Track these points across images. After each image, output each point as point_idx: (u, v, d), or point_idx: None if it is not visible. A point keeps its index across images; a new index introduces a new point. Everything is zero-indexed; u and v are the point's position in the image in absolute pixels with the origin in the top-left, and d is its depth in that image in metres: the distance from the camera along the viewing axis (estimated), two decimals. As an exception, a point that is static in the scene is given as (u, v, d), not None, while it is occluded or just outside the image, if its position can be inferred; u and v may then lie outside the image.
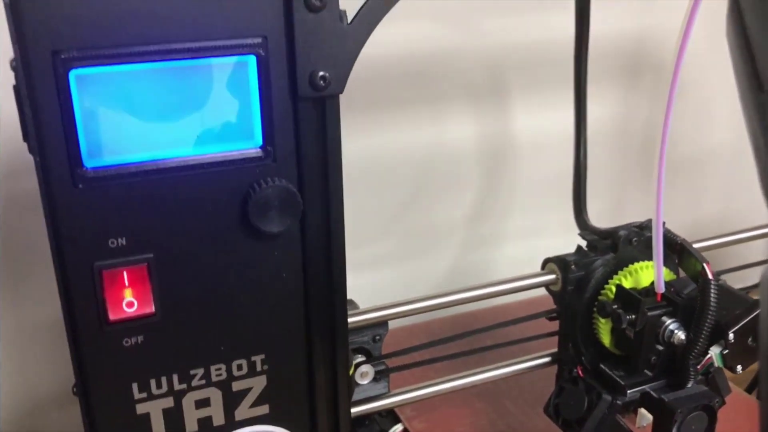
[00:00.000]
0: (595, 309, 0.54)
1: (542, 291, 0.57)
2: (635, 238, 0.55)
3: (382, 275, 0.78)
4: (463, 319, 0.71)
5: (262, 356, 0.40)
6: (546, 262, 0.56)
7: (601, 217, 0.60)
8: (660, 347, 0.52)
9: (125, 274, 0.35)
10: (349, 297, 0.44)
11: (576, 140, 0.60)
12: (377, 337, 0.53)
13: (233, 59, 0.35)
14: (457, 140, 0.76)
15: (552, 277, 0.55)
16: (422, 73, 0.72)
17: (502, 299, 0.58)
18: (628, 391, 0.53)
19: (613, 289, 0.53)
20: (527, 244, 0.82)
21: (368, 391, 0.53)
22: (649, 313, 0.51)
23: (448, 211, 0.79)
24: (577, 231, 0.59)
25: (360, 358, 0.52)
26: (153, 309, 0.36)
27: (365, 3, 0.35)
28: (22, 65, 0.32)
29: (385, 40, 0.51)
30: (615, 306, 0.52)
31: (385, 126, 0.72)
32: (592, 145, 0.60)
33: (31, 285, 0.63)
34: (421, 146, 0.75)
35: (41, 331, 0.65)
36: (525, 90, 0.77)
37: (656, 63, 0.80)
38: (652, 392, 0.52)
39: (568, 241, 0.69)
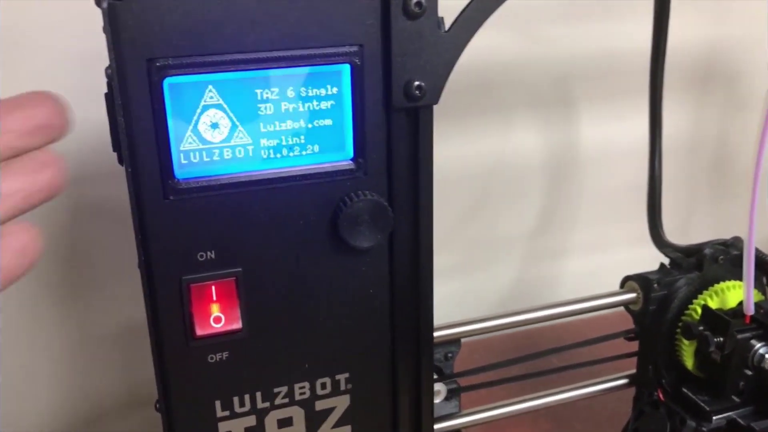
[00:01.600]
0: (678, 330, 0.52)
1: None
2: (721, 257, 0.52)
3: (443, 288, 0.76)
4: (524, 337, 0.69)
5: (347, 375, 0.38)
6: (625, 280, 0.54)
7: (668, 232, 0.58)
8: (749, 372, 0.50)
9: (213, 288, 0.34)
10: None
11: (651, 152, 0.58)
12: (449, 355, 0.51)
13: (328, 68, 0.34)
14: (521, 151, 0.74)
15: (632, 296, 0.53)
16: (487, 83, 0.70)
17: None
18: (714, 418, 0.50)
19: (698, 309, 0.51)
20: (592, 258, 0.80)
21: (440, 409, 0.52)
22: (739, 336, 0.49)
23: (511, 224, 0.77)
24: (644, 245, 0.57)
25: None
26: (240, 325, 0.35)
27: (464, 9, 0.34)
28: (117, 72, 0.31)
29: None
30: (701, 328, 0.50)
31: (448, 137, 0.71)
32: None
33: (95, 293, 0.63)
34: (485, 157, 0.73)
35: (104, 340, 0.64)
36: (591, 100, 0.75)
37: (729, 74, 0.77)
38: (739, 419, 0.50)
39: (634, 255, 0.67)
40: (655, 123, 0.57)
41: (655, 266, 0.54)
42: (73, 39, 0.54)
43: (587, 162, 0.77)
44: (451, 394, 0.52)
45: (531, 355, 0.54)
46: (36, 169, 0.30)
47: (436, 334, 0.49)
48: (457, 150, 0.72)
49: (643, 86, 0.58)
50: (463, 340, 0.55)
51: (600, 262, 0.79)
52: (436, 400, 0.51)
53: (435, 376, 0.51)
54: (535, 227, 0.77)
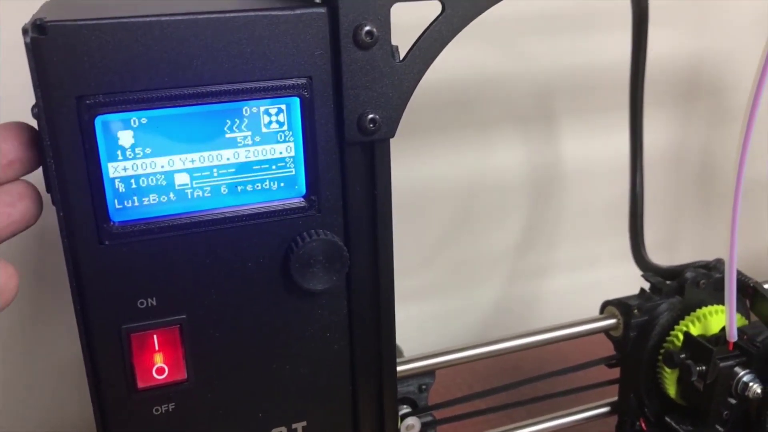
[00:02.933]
0: (660, 357, 0.50)
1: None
2: (703, 280, 0.51)
3: (422, 308, 0.74)
4: (509, 359, 0.67)
5: (304, 423, 0.36)
6: (605, 305, 0.52)
7: (653, 248, 0.56)
8: (733, 401, 0.48)
9: (155, 337, 0.32)
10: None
11: (632, 170, 0.56)
12: (423, 387, 0.49)
13: (275, 102, 0.31)
14: (502, 168, 0.72)
15: (612, 321, 0.51)
16: (466, 98, 0.68)
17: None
18: (698, 448, 0.48)
19: (680, 336, 0.49)
20: (576, 276, 0.78)
21: (414, 444, 0.50)
22: (722, 364, 0.47)
23: (493, 242, 0.75)
24: (629, 263, 0.55)
25: (405, 410, 0.49)
26: (185, 375, 0.33)
27: (420, 38, 0.32)
28: (44, 111, 0.29)
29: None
30: (683, 356, 0.48)
31: (427, 153, 0.69)
32: (644, 174, 0.56)
33: (62, 318, 0.61)
34: (465, 174, 0.71)
35: (73, 367, 0.62)
36: (573, 115, 0.73)
37: (714, 88, 0.76)
38: (724, 450, 0.48)
39: (619, 273, 0.65)
40: (636, 142, 0.55)
41: (641, 284, 0.52)
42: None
43: (569, 178, 0.75)
44: (426, 428, 0.50)
45: (510, 385, 0.52)
46: (11, 202, 0.31)
47: (409, 366, 0.47)
48: (436, 167, 0.70)
49: (625, 101, 0.56)
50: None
51: (584, 281, 0.77)
52: (410, 434, 0.49)
53: (409, 410, 0.49)
54: (517, 245, 0.75)
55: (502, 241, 0.75)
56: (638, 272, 0.55)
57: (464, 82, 0.68)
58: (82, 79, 0.29)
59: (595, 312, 0.53)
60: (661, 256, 0.56)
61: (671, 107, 0.75)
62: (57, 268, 0.58)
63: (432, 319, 0.74)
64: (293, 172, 0.33)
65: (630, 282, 0.54)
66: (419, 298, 0.74)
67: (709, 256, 0.53)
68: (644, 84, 0.54)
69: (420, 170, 0.70)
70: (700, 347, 0.48)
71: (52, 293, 0.60)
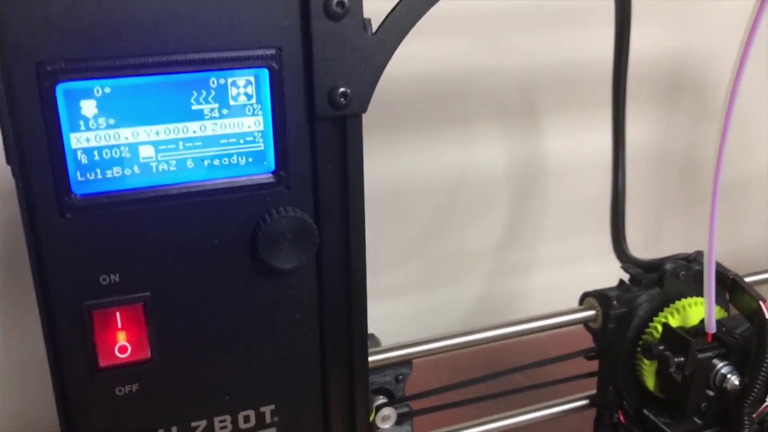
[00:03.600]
0: (639, 349, 0.49)
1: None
2: (683, 272, 0.50)
3: (404, 305, 0.73)
4: (491, 351, 0.67)
5: (272, 407, 0.35)
6: (584, 296, 0.52)
7: (636, 245, 0.55)
8: (711, 393, 0.47)
9: (118, 314, 0.31)
10: (369, 330, 0.39)
11: (614, 165, 0.56)
12: (400, 377, 0.49)
13: (243, 73, 0.31)
14: (485, 163, 0.72)
15: (591, 313, 0.51)
16: (448, 92, 0.68)
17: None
18: (676, 441, 0.48)
19: (659, 327, 0.49)
20: (559, 272, 0.78)
21: (390, 435, 0.49)
22: (700, 356, 0.46)
23: (475, 238, 0.74)
24: (612, 259, 0.55)
25: (381, 400, 0.48)
26: (149, 354, 0.32)
27: (392, 10, 0.31)
28: (2, 78, 0.28)
29: (408, 57, 0.47)
30: (662, 347, 0.47)
31: (408, 147, 0.68)
32: (627, 169, 0.56)
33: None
34: (447, 169, 0.71)
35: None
36: (557, 111, 0.73)
37: (695, 84, 0.76)
38: (702, 443, 0.47)
39: (602, 269, 0.65)
40: (618, 137, 0.55)
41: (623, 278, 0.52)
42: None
43: (553, 174, 0.75)
44: (402, 419, 0.49)
45: (488, 376, 0.51)
46: None
47: (385, 355, 0.46)
48: (419, 162, 0.70)
49: (608, 97, 0.55)
50: (423, 358, 0.52)
51: (567, 276, 0.77)
52: (385, 426, 0.48)
53: (384, 400, 0.48)
54: (499, 241, 0.75)
55: (484, 237, 0.74)
56: (618, 268, 0.55)
57: (447, 76, 0.67)
58: (43, 44, 0.28)
59: (578, 308, 0.52)
60: (644, 252, 0.55)
61: (654, 104, 0.75)
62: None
63: (413, 314, 0.73)
64: (262, 147, 0.32)
65: (613, 277, 0.54)
66: (401, 294, 0.73)
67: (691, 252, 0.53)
68: (626, 80, 0.54)
69: (403, 165, 0.69)
70: (679, 338, 0.47)
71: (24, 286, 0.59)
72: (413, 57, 0.61)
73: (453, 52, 0.66)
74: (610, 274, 0.56)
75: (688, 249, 0.54)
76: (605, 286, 0.52)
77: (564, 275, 0.78)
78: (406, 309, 0.74)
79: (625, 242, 0.56)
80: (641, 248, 0.56)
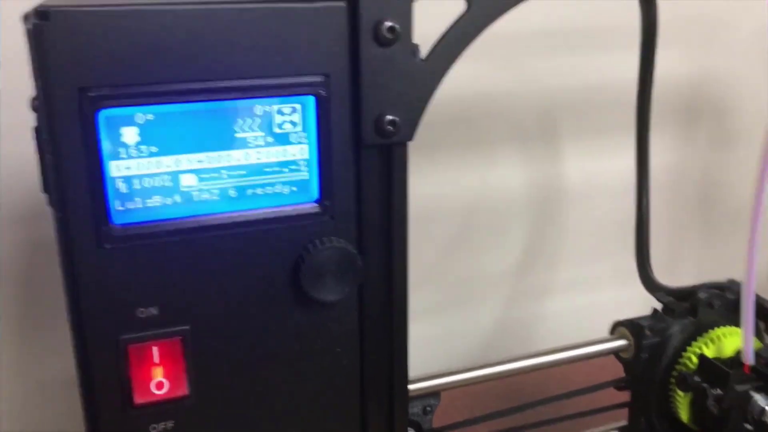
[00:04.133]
0: (672, 380, 0.48)
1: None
2: (717, 301, 0.49)
3: (421, 328, 0.72)
4: (511, 382, 0.65)
5: (310, 442, 0.34)
6: (616, 325, 0.51)
7: (655, 271, 0.54)
8: (749, 426, 0.46)
9: (155, 349, 0.30)
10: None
11: (638, 190, 0.55)
12: (428, 408, 0.47)
13: (289, 100, 0.30)
14: (504, 186, 0.71)
15: (623, 343, 0.49)
16: (467, 114, 0.67)
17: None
18: (712, 476, 0.46)
19: (693, 358, 0.48)
20: (577, 297, 0.77)
21: (416, 468, 0.47)
22: (738, 388, 0.45)
23: (494, 262, 0.73)
24: (631, 284, 0.54)
25: (409, 432, 0.47)
26: (187, 391, 0.31)
27: (442, 36, 0.30)
28: (44, 104, 0.27)
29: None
30: (698, 378, 0.46)
31: (426, 170, 0.68)
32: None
33: (51, 334, 0.59)
34: (465, 192, 0.70)
35: (57, 387, 0.60)
36: (575, 135, 0.72)
37: (714, 110, 0.75)
38: (739, 478, 0.46)
39: (621, 294, 0.64)
40: (643, 162, 0.54)
41: (643, 307, 0.51)
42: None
43: (572, 198, 0.74)
44: (429, 451, 0.48)
45: (515, 408, 0.50)
46: None
47: (414, 386, 0.45)
48: (437, 185, 0.69)
49: (628, 121, 0.55)
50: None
51: (586, 302, 0.76)
52: (413, 458, 0.47)
53: None
54: (518, 265, 0.74)
55: (503, 261, 0.73)
56: (639, 294, 0.54)
57: (467, 99, 0.67)
58: (86, 69, 0.27)
59: (597, 333, 0.51)
60: (662, 276, 0.54)
61: (673, 128, 0.74)
62: (49, 278, 0.56)
63: (431, 339, 0.72)
64: (306, 176, 0.31)
65: (631, 303, 0.53)
66: (418, 318, 0.72)
67: (710, 278, 0.52)
68: (651, 103, 0.53)
69: (421, 187, 0.68)
70: (717, 370, 0.46)
71: (43, 305, 0.58)
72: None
73: (472, 75, 0.66)
74: (629, 300, 0.55)
75: (706, 273, 0.53)
76: (624, 312, 0.51)
77: (582, 300, 0.77)
78: (423, 333, 0.72)
79: (650, 268, 0.55)
80: (659, 272, 0.55)
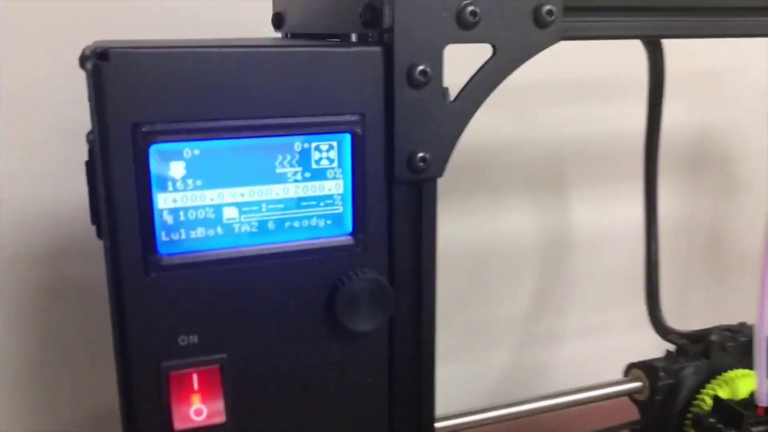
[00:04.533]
0: (687, 422, 0.49)
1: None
2: (730, 343, 0.50)
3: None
4: (523, 423, 0.65)
5: (340, 472, 0.35)
6: (630, 367, 0.51)
7: (664, 316, 0.56)
8: (764, 468, 0.46)
9: (195, 376, 0.31)
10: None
11: (647, 237, 0.57)
12: (447, 449, 0.48)
13: (327, 138, 0.31)
14: (514, 233, 0.72)
15: (638, 384, 0.50)
16: (477, 162, 0.69)
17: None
18: None
19: (707, 400, 0.48)
20: (588, 343, 0.77)
21: None
22: (753, 430, 0.46)
23: (504, 308, 0.74)
24: (642, 329, 0.55)
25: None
26: (224, 418, 0.32)
27: (470, 80, 0.32)
28: (99, 138, 0.28)
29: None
30: (713, 420, 0.47)
31: (440, 218, 0.69)
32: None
33: (66, 373, 0.59)
34: (477, 239, 0.71)
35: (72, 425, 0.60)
36: (585, 183, 0.74)
37: (719, 159, 0.77)
38: None
39: (632, 340, 0.64)
40: (651, 209, 0.56)
41: (654, 353, 0.51)
42: (56, 112, 0.53)
43: (580, 245, 0.75)
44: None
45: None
46: None
47: (438, 425, 0.46)
48: (447, 231, 0.70)
49: (636, 169, 0.56)
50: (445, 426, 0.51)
51: (597, 348, 0.77)
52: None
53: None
54: (529, 311, 0.75)
55: (514, 306, 0.74)
56: (650, 340, 0.54)
57: (477, 147, 0.68)
58: (140, 106, 0.29)
59: (608, 379, 0.51)
60: (671, 322, 0.55)
61: (680, 177, 0.76)
62: (65, 322, 0.57)
63: (441, 383, 0.72)
64: (341, 210, 0.32)
65: (642, 349, 0.53)
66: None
67: (719, 323, 0.53)
68: (658, 151, 0.55)
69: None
70: (731, 411, 0.47)
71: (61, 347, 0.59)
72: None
73: (484, 124, 0.68)
74: (640, 346, 0.56)
75: (714, 320, 0.54)
76: (635, 358, 0.51)
77: (594, 347, 0.77)
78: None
79: (661, 313, 0.56)
80: (668, 318, 0.56)
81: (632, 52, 0.53)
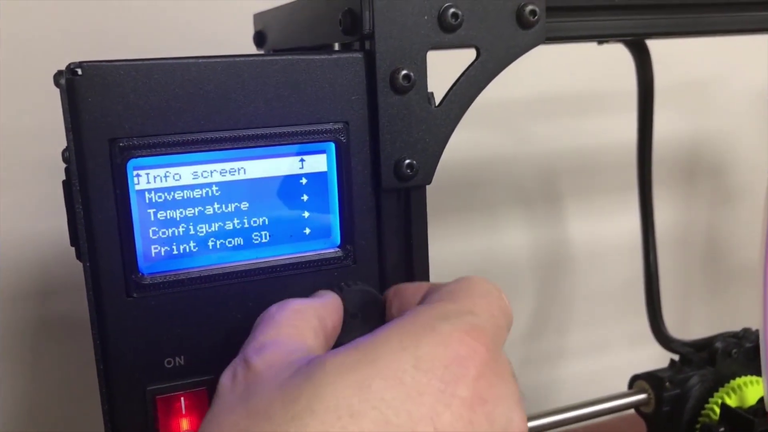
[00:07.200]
0: (696, 432, 0.48)
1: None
2: (734, 350, 0.49)
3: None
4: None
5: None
6: (634, 379, 0.50)
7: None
8: (777, 476, 0.45)
9: (182, 400, 0.30)
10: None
11: (644, 248, 0.56)
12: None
13: (311, 147, 0.31)
14: (509, 250, 0.72)
15: (643, 396, 0.49)
16: (471, 179, 0.68)
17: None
18: None
19: (716, 408, 0.47)
20: (590, 360, 0.76)
21: None
22: (764, 436, 0.45)
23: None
24: (643, 343, 0.54)
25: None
26: (213, 442, 0.30)
27: (455, 83, 0.32)
28: (75, 154, 0.28)
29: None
30: (722, 429, 0.46)
31: (433, 235, 0.68)
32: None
33: (52, 409, 0.58)
34: (471, 256, 0.70)
35: None
36: (578, 196, 0.73)
37: (713, 168, 0.77)
38: None
39: (633, 354, 0.63)
40: (647, 219, 0.55)
41: (658, 364, 0.50)
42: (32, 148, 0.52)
43: (577, 259, 0.74)
44: None
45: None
46: None
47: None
48: (442, 249, 0.69)
49: (629, 181, 0.56)
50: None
51: (599, 364, 0.75)
52: None
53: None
54: (528, 330, 0.74)
55: (513, 325, 0.73)
56: (652, 353, 0.54)
57: (470, 163, 0.68)
58: (116, 121, 0.28)
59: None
60: (672, 332, 0.54)
61: (674, 187, 0.76)
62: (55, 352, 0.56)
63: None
64: (328, 221, 0.32)
65: (644, 363, 0.52)
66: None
67: (721, 331, 0.52)
68: (651, 161, 0.55)
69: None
70: (741, 420, 0.45)
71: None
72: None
73: (474, 139, 0.67)
74: (643, 359, 0.55)
75: (715, 329, 0.53)
76: (638, 371, 0.50)
77: (596, 363, 0.76)
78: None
79: (663, 323, 0.55)
80: (670, 330, 0.55)
81: (621, 65, 0.52)
